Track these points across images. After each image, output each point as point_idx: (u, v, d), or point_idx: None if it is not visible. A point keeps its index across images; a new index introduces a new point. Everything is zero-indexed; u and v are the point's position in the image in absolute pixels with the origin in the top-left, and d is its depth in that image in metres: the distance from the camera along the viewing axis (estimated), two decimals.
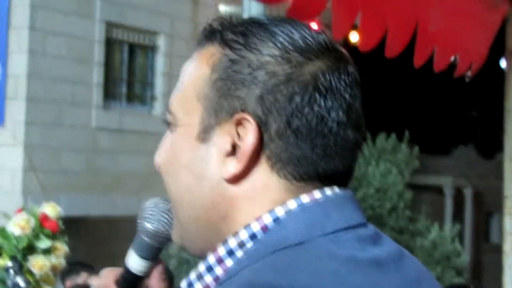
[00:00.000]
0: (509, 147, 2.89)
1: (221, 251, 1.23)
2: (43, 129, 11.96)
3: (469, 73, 3.03)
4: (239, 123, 1.21)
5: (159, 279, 1.54)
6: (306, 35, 1.24)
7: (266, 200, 1.22)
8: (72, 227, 12.20)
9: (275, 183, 1.22)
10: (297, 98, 1.20)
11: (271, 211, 1.21)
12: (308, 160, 1.22)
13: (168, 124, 1.32)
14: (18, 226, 3.88)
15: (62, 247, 4.07)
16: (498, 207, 21.30)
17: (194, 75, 1.27)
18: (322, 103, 1.21)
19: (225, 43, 1.24)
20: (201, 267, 1.25)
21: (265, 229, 1.21)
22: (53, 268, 3.99)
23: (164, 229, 1.47)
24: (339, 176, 1.25)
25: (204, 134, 1.24)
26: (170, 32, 14.02)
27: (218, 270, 1.23)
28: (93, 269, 7.91)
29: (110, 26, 13.17)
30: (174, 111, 1.29)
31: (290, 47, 1.23)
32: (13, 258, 3.83)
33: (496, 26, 3.15)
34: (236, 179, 1.23)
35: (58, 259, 4.00)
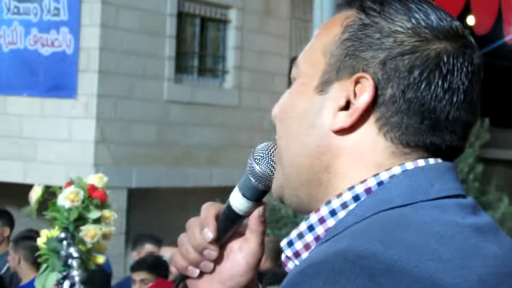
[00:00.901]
0: None
1: (324, 211, 1.26)
2: (115, 101, 12.01)
3: None
4: (357, 82, 1.25)
5: (258, 220, 1.49)
6: (441, 17, 1.27)
7: (370, 160, 1.25)
8: (143, 198, 12.47)
9: (381, 145, 1.25)
10: (417, 71, 1.23)
11: (375, 175, 1.24)
12: (416, 130, 1.24)
13: (293, 80, 1.36)
14: (68, 199, 4.08)
15: (111, 215, 4.33)
16: None
17: (325, 33, 1.32)
18: (440, 82, 1.24)
19: (362, 8, 1.29)
20: (303, 226, 1.28)
21: (368, 191, 1.24)
22: (104, 236, 4.26)
23: (271, 173, 1.44)
24: (445, 150, 1.27)
25: (323, 87, 1.28)
26: (241, 5, 14.00)
27: (320, 230, 1.26)
28: (159, 241, 8.09)
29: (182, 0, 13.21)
30: (299, 63, 1.34)
31: (423, 23, 1.25)
32: (65, 229, 4.11)
33: None
34: (344, 132, 1.26)
35: (108, 227, 4.28)
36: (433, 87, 1.24)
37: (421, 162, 1.25)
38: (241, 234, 1.51)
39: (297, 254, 1.29)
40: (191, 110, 13.18)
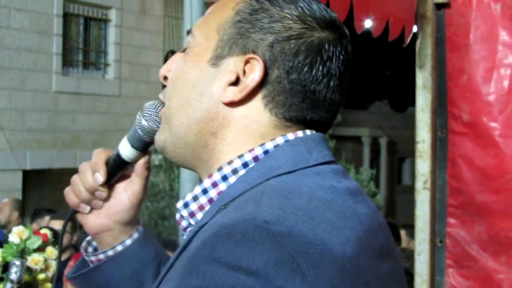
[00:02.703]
0: (420, 100, 2.86)
1: (216, 176, 1.26)
2: (9, 93, 12.09)
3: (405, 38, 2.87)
4: (247, 62, 1.24)
5: (144, 167, 1.50)
6: (322, 9, 1.28)
7: (256, 131, 1.26)
8: (38, 179, 12.61)
9: (266, 118, 1.25)
10: (301, 56, 1.24)
11: (262, 145, 1.25)
12: (297, 107, 1.25)
13: (184, 49, 1.34)
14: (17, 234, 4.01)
15: (53, 251, 4.14)
16: (409, 154, 21.40)
17: (218, 13, 1.31)
18: (320, 67, 1.25)
19: None
20: (197, 189, 1.27)
21: (256, 159, 1.24)
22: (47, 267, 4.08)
23: (157, 128, 1.42)
24: (320, 125, 1.29)
25: (215, 60, 1.27)
26: (120, 6, 14.02)
27: (212, 193, 1.26)
28: (55, 213, 7.94)
29: (67, 1, 13.02)
30: (195, 33, 1.32)
31: (307, 12, 1.26)
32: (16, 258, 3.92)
33: None
34: (232, 105, 1.25)
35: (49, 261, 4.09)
36: (314, 71, 1.24)
37: (300, 133, 1.26)
38: (127, 176, 1.53)
39: (192, 214, 1.28)
40: (77, 99, 13.09)
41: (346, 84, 1.31)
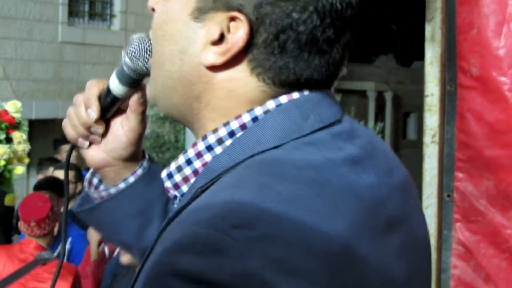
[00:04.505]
0: (428, 53, 2.78)
1: (201, 146, 1.15)
2: (15, 43, 12.05)
3: None
4: (232, 19, 1.11)
5: (137, 102, 1.43)
6: None
7: (242, 96, 1.13)
8: (43, 128, 12.62)
9: (254, 84, 1.12)
10: (295, 15, 1.09)
11: (250, 111, 1.13)
12: (290, 70, 1.11)
13: None
14: None
15: (20, 136, 4.40)
16: (414, 108, 21.79)
17: None
18: (318, 23, 1.10)
19: None
20: (181, 159, 1.18)
21: (243, 127, 1.12)
22: (15, 151, 4.36)
23: (144, 67, 1.35)
24: (319, 84, 1.14)
25: (198, 13, 1.13)
26: None
27: (197, 164, 1.16)
28: (59, 163, 7.80)
29: None
30: None
31: None
32: None
33: None
34: (215, 69, 1.13)
35: (20, 145, 4.39)
36: (310, 28, 1.10)
37: (295, 95, 1.13)
38: (125, 110, 1.47)
39: (176, 186, 1.19)
40: (83, 50, 13.09)
41: (352, 35, 1.16)
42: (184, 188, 1.18)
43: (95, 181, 1.55)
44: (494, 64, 2.79)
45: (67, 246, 5.82)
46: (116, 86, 1.41)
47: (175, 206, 1.19)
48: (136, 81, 1.40)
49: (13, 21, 12.00)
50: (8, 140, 4.37)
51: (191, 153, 1.17)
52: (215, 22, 1.12)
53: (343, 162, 1.08)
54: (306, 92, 1.13)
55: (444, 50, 2.89)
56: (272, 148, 1.08)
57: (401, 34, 24.66)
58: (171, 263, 0.96)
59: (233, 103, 1.14)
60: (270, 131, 1.10)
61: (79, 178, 7.54)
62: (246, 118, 1.13)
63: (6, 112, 4.41)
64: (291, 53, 1.11)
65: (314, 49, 1.11)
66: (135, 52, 1.35)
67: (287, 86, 1.13)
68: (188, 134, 5.76)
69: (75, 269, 5.02)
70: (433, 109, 2.87)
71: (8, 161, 4.37)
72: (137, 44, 1.35)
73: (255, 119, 1.12)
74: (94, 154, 1.49)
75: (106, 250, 5.71)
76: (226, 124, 1.14)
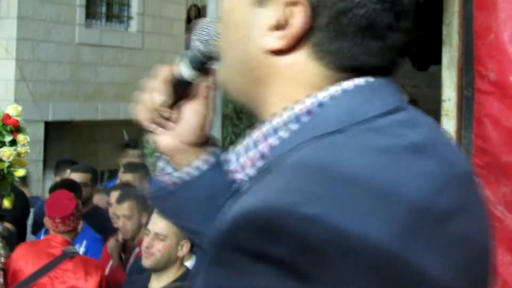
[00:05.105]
0: (446, 58, 2.79)
1: (266, 129, 1.15)
2: (33, 44, 12.00)
3: None
4: (293, 4, 1.11)
5: (205, 86, 1.46)
6: None
7: (305, 81, 1.13)
8: (60, 130, 12.76)
9: (317, 69, 1.12)
10: None
11: (314, 96, 1.12)
12: (351, 55, 1.11)
13: None
14: None
15: (24, 138, 4.34)
16: (430, 113, 21.86)
17: None
18: (376, 7, 1.09)
19: None
20: (248, 141, 1.18)
21: (309, 112, 1.12)
22: (19, 155, 4.32)
23: (212, 51, 1.39)
24: (381, 70, 1.14)
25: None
26: None
27: (263, 147, 1.15)
28: (75, 166, 7.97)
29: None
30: None
31: None
32: None
33: None
34: (277, 53, 1.14)
35: (23, 147, 4.31)
36: (369, 11, 1.09)
37: (360, 81, 1.12)
38: (193, 96, 1.48)
39: (243, 168, 1.19)
40: (100, 51, 13.09)
41: (411, 19, 1.14)
42: (250, 170, 1.18)
43: (169, 169, 1.54)
44: (511, 69, 2.78)
45: (82, 249, 5.87)
46: (186, 71, 1.44)
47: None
48: (205, 65, 1.44)
49: (30, 22, 11.99)
50: (12, 142, 4.35)
51: (257, 136, 1.17)
52: (277, 7, 1.13)
53: (405, 149, 1.07)
54: (369, 78, 1.13)
55: (461, 55, 2.88)
56: (334, 132, 1.08)
57: (417, 38, 24.54)
58: (232, 238, 0.97)
59: (295, 87, 1.15)
60: (334, 115, 1.10)
61: (95, 181, 7.60)
62: (311, 103, 1.13)
63: (8, 115, 4.37)
64: (352, 37, 1.10)
65: (375, 33, 1.11)
66: (206, 36, 1.39)
67: (349, 71, 1.13)
68: None
69: (102, 266, 5.16)
70: (450, 114, 2.85)
71: (12, 163, 4.34)
72: (207, 28, 1.40)
73: (320, 105, 1.12)
74: (165, 139, 1.51)
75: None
76: (291, 108, 1.14)
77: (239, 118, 10.25)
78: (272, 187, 1.01)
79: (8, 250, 4.46)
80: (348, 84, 1.12)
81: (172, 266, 4.42)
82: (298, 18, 1.11)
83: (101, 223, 6.31)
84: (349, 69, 1.13)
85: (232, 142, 9.83)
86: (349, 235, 0.94)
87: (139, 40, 14.09)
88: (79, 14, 12.86)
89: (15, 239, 6.07)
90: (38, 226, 6.91)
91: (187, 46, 14.99)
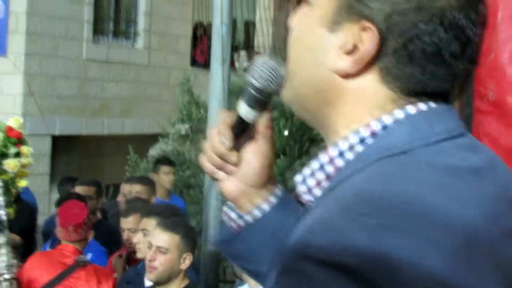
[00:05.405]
0: None
1: (333, 151, 1.20)
2: (40, 59, 12.07)
3: None
4: (364, 29, 1.16)
5: (264, 125, 1.47)
6: None
7: (373, 104, 1.18)
8: (66, 144, 12.81)
9: (383, 92, 1.17)
10: (421, 26, 1.14)
11: (379, 119, 1.17)
12: (416, 80, 1.16)
13: (306, 2, 1.27)
14: None
15: (28, 150, 4.43)
16: None
17: None
18: (442, 36, 1.15)
19: None
20: (315, 164, 1.23)
21: (373, 135, 1.17)
22: (23, 166, 4.40)
23: (269, 87, 1.41)
24: (444, 96, 1.19)
25: (333, 25, 1.20)
26: None
27: (329, 169, 1.21)
28: (79, 180, 8.02)
29: None
30: None
31: None
32: None
33: None
34: (347, 76, 1.19)
35: (26, 159, 4.42)
36: (435, 40, 1.15)
37: (422, 106, 1.17)
38: (254, 138, 1.49)
39: (310, 190, 1.24)
40: (107, 67, 13.15)
41: (476, 49, 1.20)
42: (317, 192, 1.23)
43: (233, 215, 1.54)
44: (510, 89, 2.80)
45: None
46: (245, 111, 1.46)
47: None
48: (263, 103, 1.45)
49: (39, 37, 12.04)
50: (16, 154, 4.42)
51: (323, 158, 1.22)
52: (348, 33, 1.18)
53: (467, 170, 1.12)
54: (432, 104, 1.18)
55: None
56: (398, 153, 1.13)
57: None
58: (303, 247, 1.03)
59: (362, 109, 1.19)
60: (398, 137, 1.15)
61: (100, 194, 7.64)
62: (376, 126, 1.17)
63: (11, 128, 4.43)
64: (417, 63, 1.16)
65: (439, 60, 1.16)
66: (261, 74, 1.42)
67: (414, 96, 1.18)
68: None
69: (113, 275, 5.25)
70: None
71: (16, 175, 4.41)
72: (262, 66, 1.42)
73: (384, 127, 1.17)
74: (229, 184, 1.51)
75: None
76: (356, 131, 1.19)
77: None
78: (338, 204, 1.07)
79: (19, 260, 4.52)
80: (412, 108, 1.17)
81: (175, 279, 4.45)
82: (368, 43, 1.16)
83: (106, 236, 6.34)
84: (413, 93, 1.18)
85: None
86: (402, 262, 1.00)
87: (145, 56, 14.18)
88: (87, 30, 12.94)
89: (22, 250, 6.15)
90: (44, 239, 6.98)
91: (193, 63, 15.06)
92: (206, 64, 12.40)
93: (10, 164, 4.34)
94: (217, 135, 1.47)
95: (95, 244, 6.05)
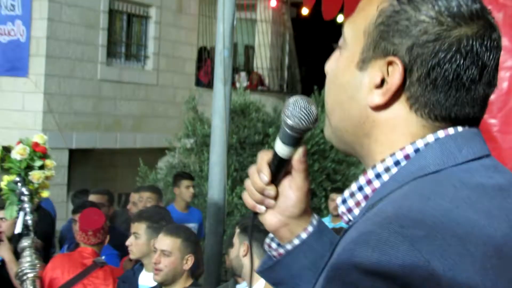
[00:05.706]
0: None
1: (370, 174, 1.21)
2: (59, 80, 12.08)
3: None
4: (389, 64, 1.19)
5: (298, 161, 1.45)
6: (462, 3, 1.19)
7: (405, 131, 1.19)
8: (82, 157, 12.84)
9: (413, 119, 1.19)
10: (441, 55, 1.16)
11: (412, 143, 1.19)
12: (442, 106, 1.18)
13: (340, 46, 1.29)
14: (19, 153, 4.34)
15: (51, 163, 4.46)
16: None
17: (365, 14, 1.24)
18: (461, 63, 1.16)
19: None
20: (354, 186, 1.24)
21: (407, 157, 1.18)
22: (47, 178, 4.43)
23: (301, 124, 1.40)
24: (469, 120, 1.20)
25: (362, 64, 1.22)
26: (159, 4, 14.10)
27: (367, 190, 1.22)
28: (94, 189, 8.12)
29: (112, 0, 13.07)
30: (346, 35, 1.27)
31: (446, 12, 1.17)
32: (18, 175, 4.36)
33: None
34: (379, 108, 1.20)
35: (50, 171, 4.44)
36: (454, 67, 1.16)
37: (451, 131, 1.19)
38: (290, 172, 1.48)
39: (349, 210, 1.25)
40: (119, 87, 13.16)
41: (493, 74, 1.21)
42: (356, 211, 1.24)
43: (273, 245, 1.54)
44: (489, 110, 2.80)
45: None
46: (281, 148, 1.45)
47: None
48: (297, 140, 1.44)
49: (57, 60, 12.04)
50: (40, 167, 4.45)
51: (362, 180, 1.23)
52: (376, 69, 1.20)
53: (493, 187, 1.15)
54: (459, 128, 1.20)
55: None
56: (432, 173, 1.15)
57: None
58: (349, 256, 1.05)
59: (397, 136, 1.21)
60: (431, 158, 1.17)
61: (111, 202, 7.69)
62: (410, 149, 1.19)
63: (37, 143, 4.44)
64: (441, 89, 1.17)
65: (460, 85, 1.17)
66: (293, 111, 1.41)
67: (442, 121, 1.19)
68: (211, 165, 5.79)
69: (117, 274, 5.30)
70: None
71: (39, 186, 4.43)
72: (294, 105, 1.41)
73: (417, 151, 1.19)
74: (270, 217, 1.50)
75: None
76: (392, 154, 1.20)
77: (243, 148, 10.31)
78: (380, 218, 1.08)
79: (42, 261, 4.55)
80: (441, 133, 1.19)
81: (180, 279, 4.47)
82: (394, 76, 1.18)
83: (117, 240, 6.34)
84: (441, 118, 1.20)
85: (236, 169, 9.86)
86: (441, 270, 1.02)
87: (154, 77, 14.18)
88: (101, 53, 12.96)
89: (42, 253, 6.16)
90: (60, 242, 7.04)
91: (197, 83, 15.07)
92: (209, 84, 12.41)
93: (35, 176, 4.39)
94: (256, 172, 1.47)
95: (108, 247, 6.06)
